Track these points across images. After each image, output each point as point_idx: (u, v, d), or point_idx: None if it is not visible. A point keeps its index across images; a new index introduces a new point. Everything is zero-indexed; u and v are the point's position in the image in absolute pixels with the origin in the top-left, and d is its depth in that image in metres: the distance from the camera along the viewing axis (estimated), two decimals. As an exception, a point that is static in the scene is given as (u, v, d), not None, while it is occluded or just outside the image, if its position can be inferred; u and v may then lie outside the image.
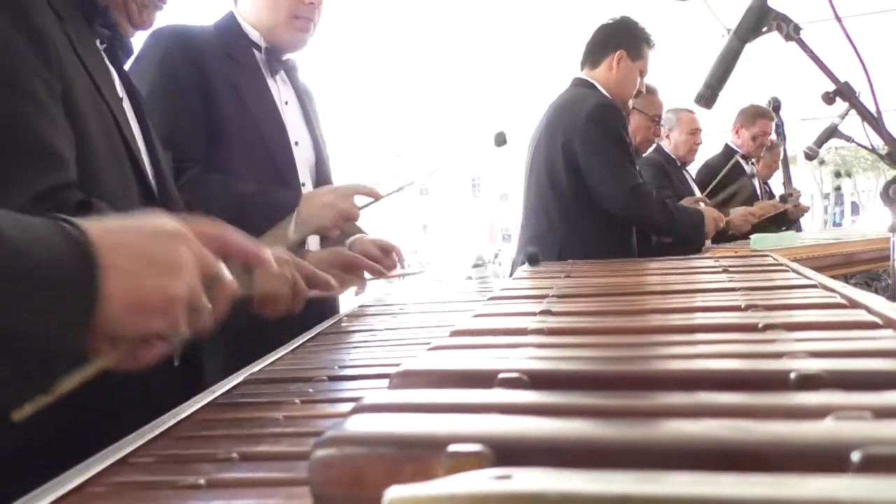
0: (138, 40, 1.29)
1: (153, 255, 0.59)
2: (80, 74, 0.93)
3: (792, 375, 0.40)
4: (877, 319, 0.62)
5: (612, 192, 2.35)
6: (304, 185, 1.64)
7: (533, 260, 1.49)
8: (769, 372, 0.43)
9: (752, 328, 0.61)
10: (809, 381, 0.39)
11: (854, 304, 0.74)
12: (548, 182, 2.47)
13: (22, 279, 0.50)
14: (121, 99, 1.04)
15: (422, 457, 0.29)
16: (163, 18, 1.61)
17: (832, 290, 0.86)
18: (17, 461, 0.60)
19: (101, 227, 0.57)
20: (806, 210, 4.57)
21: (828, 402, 0.33)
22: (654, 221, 2.47)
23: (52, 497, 0.46)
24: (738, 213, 3.25)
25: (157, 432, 0.63)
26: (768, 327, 0.59)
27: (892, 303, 0.72)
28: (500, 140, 1.62)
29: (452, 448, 0.28)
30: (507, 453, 0.28)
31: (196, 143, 1.49)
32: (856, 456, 0.25)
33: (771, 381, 0.41)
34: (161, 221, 0.63)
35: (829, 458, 0.26)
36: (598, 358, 0.50)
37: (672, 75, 4.46)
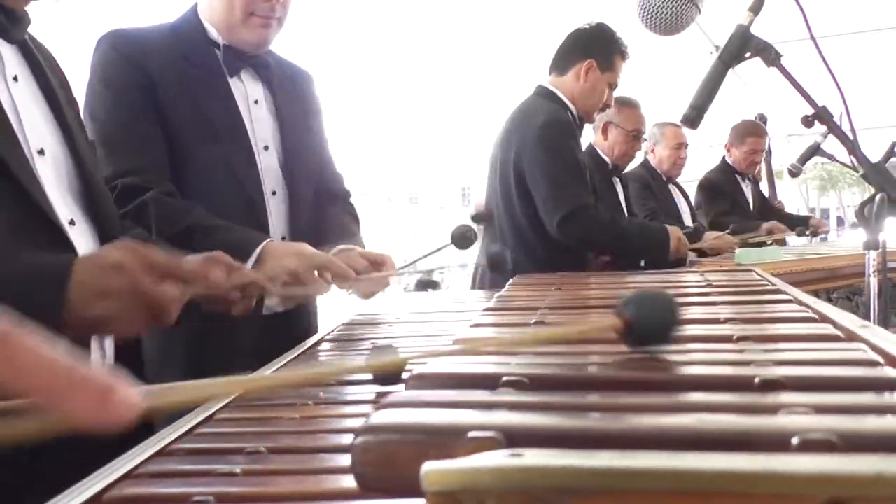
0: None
1: None
2: None
3: (756, 380, 0.47)
4: (840, 333, 0.69)
5: (549, 215, 2.26)
6: (274, 193, 1.49)
7: (496, 263, 1.37)
8: (737, 377, 0.49)
9: (728, 339, 0.67)
10: (770, 385, 0.46)
11: (823, 319, 0.81)
12: (501, 192, 2.41)
13: None
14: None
15: (445, 442, 0.35)
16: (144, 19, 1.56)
17: (805, 306, 0.93)
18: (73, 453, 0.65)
19: None
20: (826, 229, 4.58)
21: (781, 401, 0.39)
22: (595, 241, 2.36)
23: (106, 482, 0.52)
24: (711, 237, 3.22)
25: (184, 430, 0.68)
26: (742, 339, 0.66)
27: (858, 319, 0.79)
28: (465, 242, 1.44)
29: (472, 434, 0.35)
30: (514, 439, 0.34)
31: (153, 148, 1.38)
32: (795, 440, 0.32)
33: (738, 384, 0.48)
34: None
35: (775, 443, 0.33)
36: (587, 364, 0.57)
37: (662, 91, 4.54)
